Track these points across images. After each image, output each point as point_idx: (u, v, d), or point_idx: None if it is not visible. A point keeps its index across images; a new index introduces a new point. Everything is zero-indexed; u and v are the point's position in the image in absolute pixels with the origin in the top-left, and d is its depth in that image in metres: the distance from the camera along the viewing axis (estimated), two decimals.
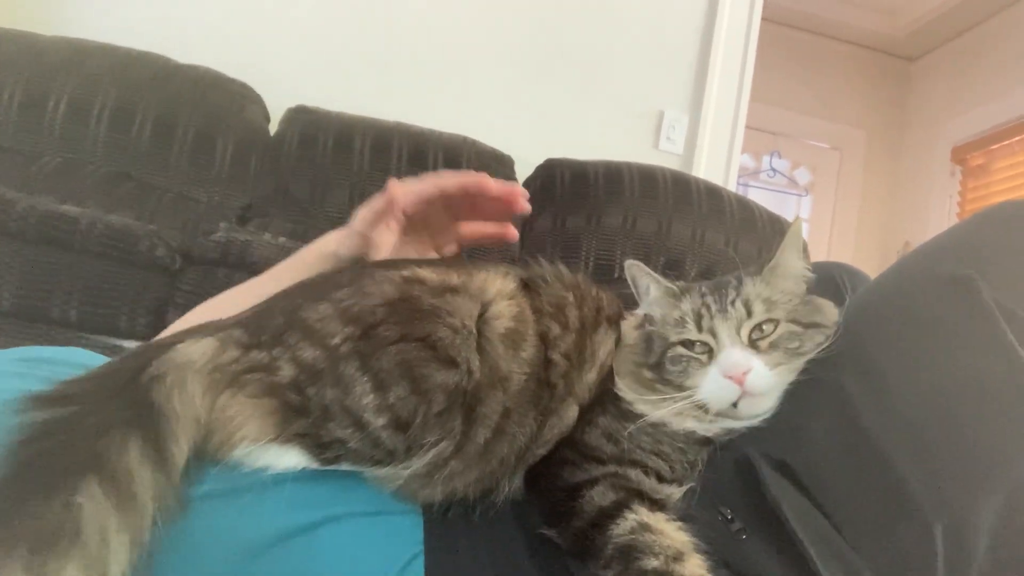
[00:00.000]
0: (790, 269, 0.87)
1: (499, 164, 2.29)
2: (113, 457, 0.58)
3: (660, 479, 0.75)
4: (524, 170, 2.37)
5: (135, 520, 0.56)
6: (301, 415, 0.69)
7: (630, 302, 0.94)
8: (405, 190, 1.00)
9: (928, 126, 4.92)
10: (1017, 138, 4.25)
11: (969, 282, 0.75)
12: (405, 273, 0.80)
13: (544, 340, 0.82)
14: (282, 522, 0.66)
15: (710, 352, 0.81)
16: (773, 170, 4.93)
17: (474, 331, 0.76)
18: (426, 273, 0.81)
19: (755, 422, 0.79)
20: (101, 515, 0.54)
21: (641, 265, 0.89)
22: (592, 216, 2.27)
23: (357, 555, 0.68)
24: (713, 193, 2.39)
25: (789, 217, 2.47)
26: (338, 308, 0.74)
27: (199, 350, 0.70)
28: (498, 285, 0.83)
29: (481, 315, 0.78)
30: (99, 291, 1.44)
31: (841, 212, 5.04)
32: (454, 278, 0.81)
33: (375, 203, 1.00)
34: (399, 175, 2.08)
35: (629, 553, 0.67)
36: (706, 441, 0.80)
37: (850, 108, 5.11)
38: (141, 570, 0.57)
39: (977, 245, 0.83)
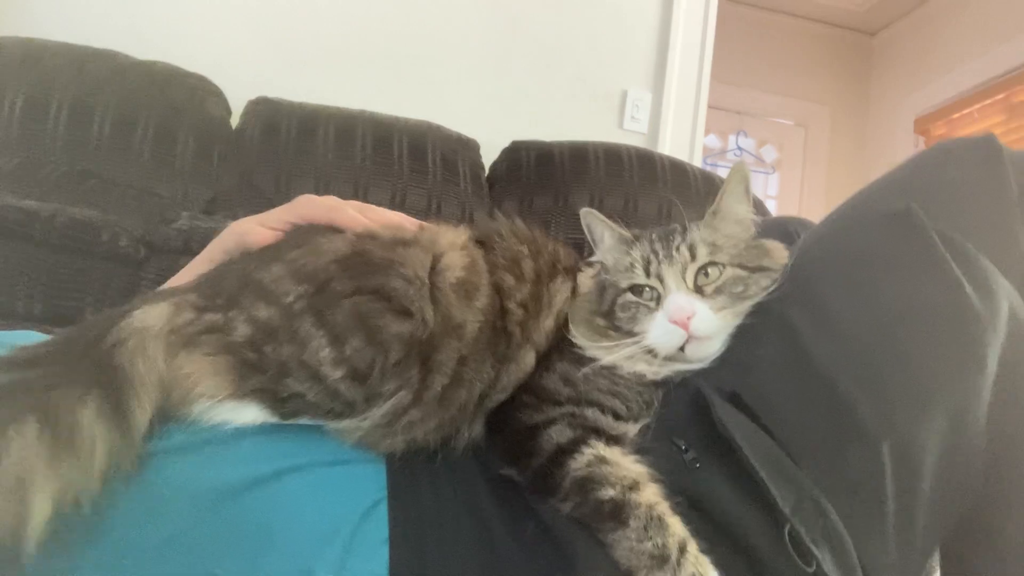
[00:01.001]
0: (732, 213, 0.89)
1: (465, 148, 2.30)
2: (62, 408, 0.58)
3: (616, 417, 0.77)
4: (490, 153, 2.38)
5: (67, 472, 0.56)
6: (257, 371, 0.70)
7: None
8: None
9: (890, 99, 4.98)
10: (977, 107, 4.32)
11: (909, 213, 0.78)
12: (358, 230, 0.81)
13: (499, 291, 0.83)
14: (245, 472, 0.67)
15: (658, 299, 0.84)
16: (740, 149, 4.97)
17: (427, 282, 0.77)
18: (378, 229, 0.82)
19: (704, 364, 0.82)
20: (27, 455, 0.54)
21: (596, 213, 0.91)
22: (559, 196, 2.29)
23: (321, 501, 0.69)
24: (678, 169, 2.41)
25: (759, 195, 2.51)
26: (291, 268, 0.76)
27: (155, 314, 0.70)
28: (449, 237, 0.84)
29: (433, 267, 0.80)
30: (64, 284, 1.43)
31: (809, 187, 5.09)
32: (405, 233, 0.83)
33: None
34: (364, 162, 2.11)
35: (586, 485, 0.68)
36: (660, 383, 0.82)
37: (813, 85, 5.16)
38: (77, 526, 0.57)
39: (915, 181, 0.86)
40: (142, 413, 0.64)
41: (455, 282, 0.80)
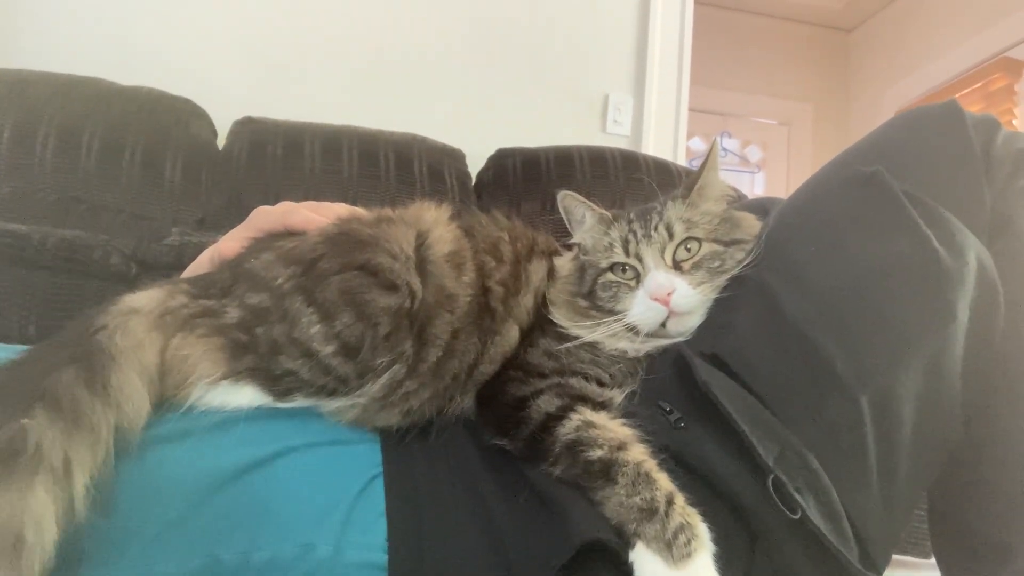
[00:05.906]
0: (714, 189, 0.92)
1: (451, 158, 2.32)
2: (52, 386, 0.60)
3: (601, 384, 0.79)
4: (476, 163, 2.40)
5: (87, 442, 0.58)
6: (249, 351, 0.73)
7: None
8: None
9: (871, 93, 5.04)
10: (956, 95, 4.34)
11: (877, 175, 0.80)
12: (343, 216, 0.84)
13: (481, 272, 0.86)
14: (240, 456, 0.68)
15: (638, 277, 0.86)
16: (724, 150, 5.01)
17: (412, 256, 0.80)
18: (363, 212, 0.86)
19: (684, 338, 0.84)
20: (50, 435, 0.56)
21: (575, 195, 0.94)
22: (546, 201, 2.30)
23: (318, 479, 0.70)
24: (662, 168, 2.44)
25: (745, 195, 2.53)
26: (280, 253, 0.79)
27: (145, 297, 0.74)
28: (432, 213, 0.88)
29: (423, 242, 0.83)
30: (57, 305, 1.44)
31: (794, 185, 5.03)
32: (389, 212, 0.86)
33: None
34: (351, 176, 2.13)
35: (575, 447, 0.70)
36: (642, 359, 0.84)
37: (794, 83, 5.22)
38: (100, 503, 0.58)
39: (881, 147, 0.88)
40: (126, 383, 0.65)
41: (447, 254, 0.83)
